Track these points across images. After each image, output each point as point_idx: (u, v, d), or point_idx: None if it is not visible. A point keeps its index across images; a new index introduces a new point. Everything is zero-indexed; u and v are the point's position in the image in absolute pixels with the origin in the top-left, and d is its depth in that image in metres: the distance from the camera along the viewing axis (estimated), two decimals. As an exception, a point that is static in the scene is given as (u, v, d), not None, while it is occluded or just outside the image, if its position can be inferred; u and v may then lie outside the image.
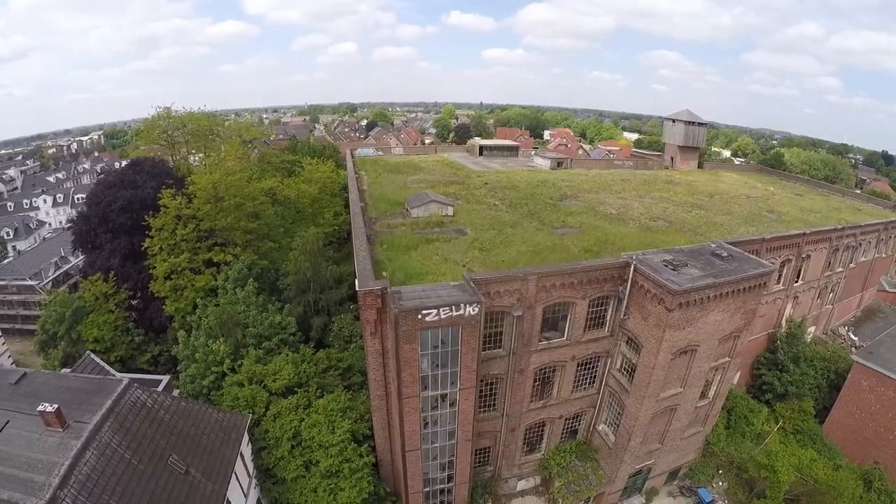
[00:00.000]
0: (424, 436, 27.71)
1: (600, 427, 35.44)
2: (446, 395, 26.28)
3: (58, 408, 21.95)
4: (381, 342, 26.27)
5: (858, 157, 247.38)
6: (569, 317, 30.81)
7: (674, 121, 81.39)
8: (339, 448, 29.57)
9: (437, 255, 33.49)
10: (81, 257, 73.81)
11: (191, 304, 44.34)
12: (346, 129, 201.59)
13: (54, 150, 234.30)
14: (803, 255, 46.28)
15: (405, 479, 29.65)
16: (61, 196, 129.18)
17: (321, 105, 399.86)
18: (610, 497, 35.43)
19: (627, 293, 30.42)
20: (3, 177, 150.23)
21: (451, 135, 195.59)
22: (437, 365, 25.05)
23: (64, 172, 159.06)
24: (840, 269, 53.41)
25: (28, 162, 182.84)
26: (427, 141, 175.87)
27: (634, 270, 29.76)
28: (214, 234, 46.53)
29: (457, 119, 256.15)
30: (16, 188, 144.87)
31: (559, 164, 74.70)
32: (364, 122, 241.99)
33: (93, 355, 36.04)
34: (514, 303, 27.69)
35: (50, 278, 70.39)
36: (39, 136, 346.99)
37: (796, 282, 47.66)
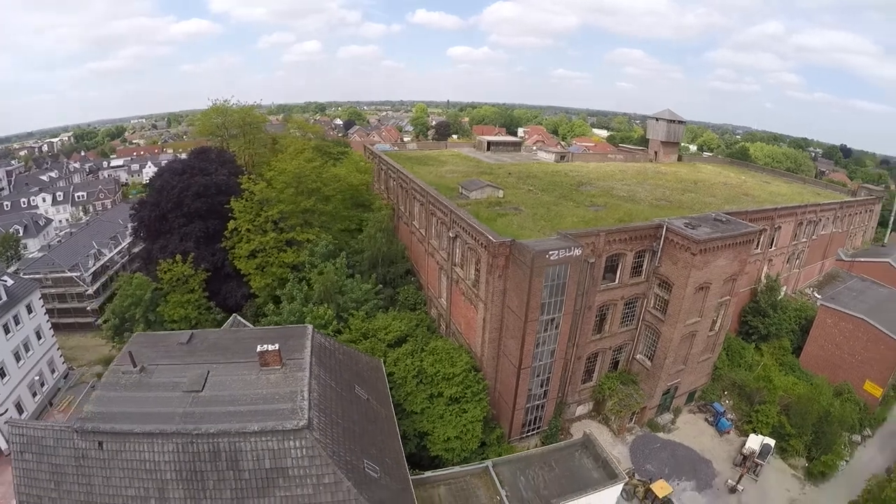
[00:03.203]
0: (535, 354, 41.13)
1: (638, 356, 50.20)
2: (553, 318, 40.17)
3: (278, 347, 27.51)
4: (503, 282, 40.00)
5: (818, 150, 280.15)
6: (619, 265, 45.33)
7: (657, 119, 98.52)
8: (462, 377, 41.61)
9: (514, 224, 46.98)
10: (116, 250, 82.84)
11: (276, 280, 54.90)
12: (325, 128, 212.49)
13: (25, 151, 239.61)
14: (775, 226, 62.88)
15: (515, 396, 42.47)
16: (61, 194, 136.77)
17: (288, 105, 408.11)
18: (649, 412, 50.27)
19: (661, 246, 45.20)
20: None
21: (431, 132, 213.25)
22: (551, 294, 38.87)
23: (56, 171, 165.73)
24: (804, 240, 70.86)
25: (13, 162, 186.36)
26: (406, 139, 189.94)
27: (666, 229, 44.65)
28: (293, 216, 57.02)
29: (429, 117, 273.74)
30: (2, 188, 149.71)
31: (562, 157, 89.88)
32: (339, 121, 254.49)
33: (239, 316, 44.39)
34: (589, 252, 41.86)
35: (91, 270, 77.90)
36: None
37: (770, 247, 64.21)
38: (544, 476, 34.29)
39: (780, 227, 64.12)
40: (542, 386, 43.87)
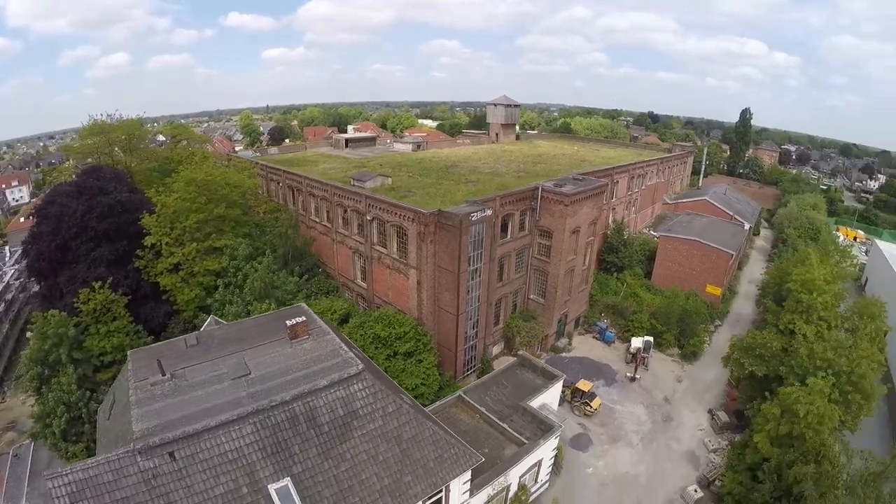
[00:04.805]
0: (468, 301, 54.08)
1: (532, 296, 65.40)
2: (477, 268, 53.49)
3: (304, 319, 33.39)
4: (434, 246, 52.22)
5: (629, 118, 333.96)
6: (510, 223, 59.78)
7: (496, 105, 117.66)
8: (412, 333, 52.33)
9: (419, 202, 58.61)
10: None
11: (203, 290, 60.36)
12: (152, 144, 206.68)
13: None
14: (614, 182, 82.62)
15: (456, 339, 55.15)
16: None
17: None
18: (550, 339, 65.95)
19: (539, 204, 60.38)
20: None
21: (265, 138, 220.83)
22: (474, 248, 52.10)
23: None
24: (636, 190, 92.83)
25: None
26: (237, 148, 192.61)
27: (542, 190, 60.01)
28: (206, 223, 61.54)
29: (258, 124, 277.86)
30: None
31: (418, 146, 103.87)
32: (161, 137, 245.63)
33: (215, 317, 49.36)
34: (490, 214, 55.48)
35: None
36: None
37: (613, 199, 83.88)
38: (502, 392, 46.72)
39: (617, 182, 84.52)
40: (473, 328, 57.22)
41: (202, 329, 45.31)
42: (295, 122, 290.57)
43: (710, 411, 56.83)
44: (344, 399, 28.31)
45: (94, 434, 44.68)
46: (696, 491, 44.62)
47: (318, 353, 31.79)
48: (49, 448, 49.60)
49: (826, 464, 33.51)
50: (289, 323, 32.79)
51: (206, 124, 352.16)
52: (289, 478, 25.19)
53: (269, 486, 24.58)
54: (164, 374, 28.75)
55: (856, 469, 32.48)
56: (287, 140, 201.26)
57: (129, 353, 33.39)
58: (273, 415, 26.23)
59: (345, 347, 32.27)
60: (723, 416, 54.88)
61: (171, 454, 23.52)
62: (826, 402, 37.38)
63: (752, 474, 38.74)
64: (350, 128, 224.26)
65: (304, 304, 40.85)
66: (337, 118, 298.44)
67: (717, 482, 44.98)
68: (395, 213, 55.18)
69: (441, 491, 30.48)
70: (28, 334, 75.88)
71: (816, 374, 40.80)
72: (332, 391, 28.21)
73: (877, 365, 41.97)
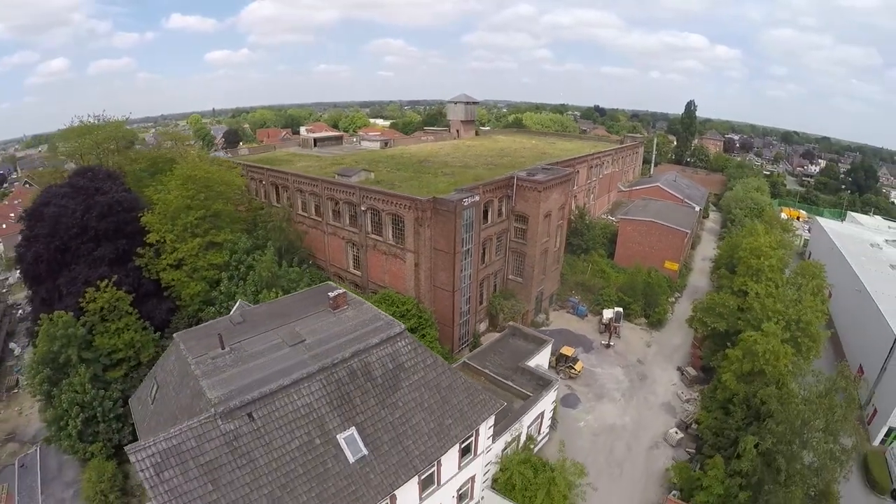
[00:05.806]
0: (461, 279, 59.06)
1: (511, 276, 70.77)
2: (469, 249, 58.48)
3: (344, 291, 37.41)
4: (430, 230, 56.79)
5: (576, 113, 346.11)
6: (490, 210, 64.85)
7: (455, 103, 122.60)
8: (413, 311, 56.89)
9: (409, 191, 63.07)
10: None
11: (207, 284, 62.22)
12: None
13: None
14: (575, 171, 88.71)
15: (453, 315, 60.13)
16: None
17: (41, 134, 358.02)
18: (530, 315, 71.21)
19: (515, 191, 65.63)
20: None
21: (221, 140, 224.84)
22: (466, 231, 57.03)
23: None
24: (594, 179, 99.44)
25: None
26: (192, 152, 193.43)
27: (517, 178, 65.32)
28: (205, 220, 63.31)
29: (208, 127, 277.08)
30: None
31: (386, 143, 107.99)
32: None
33: (243, 301, 52.02)
34: (478, 199, 60.23)
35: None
36: None
37: (574, 187, 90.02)
38: (499, 358, 51.88)
39: (578, 172, 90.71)
40: (467, 304, 62.39)
41: (232, 313, 46.99)
42: (247, 125, 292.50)
43: (679, 368, 63.79)
44: (391, 355, 32.20)
45: (108, 433, 48.09)
46: (676, 433, 51.19)
47: (360, 318, 35.46)
48: (64, 451, 49.27)
49: (785, 388, 40.10)
50: (331, 294, 36.40)
51: (151, 130, 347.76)
52: (353, 427, 28.48)
53: (337, 436, 27.67)
54: (223, 348, 30.85)
55: (809, 383, 39.43)
56: (241, 143, 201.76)
57: (175, 335, 35.03)
58: (335, 371, 29.50)
59: (383, 313, 36.14)
60: (692, 371, 61.87)
61: (250, 415, 25.62)
62: (779, 342, 44.03)
63: (725, 410, 45.17)
64: (303, 129, 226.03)
65: (331, 283, 44.74)
66: (288, 120, 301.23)
67: (693, 425, 51.68)
68: (392, 203, 59.45)
69: (472, 435, 35.23)
70: (11, 344, 77.02)
71: (769, 321, 47.13)
72: (381, 348, 32.03)
73: (820, 314, 49.12)
